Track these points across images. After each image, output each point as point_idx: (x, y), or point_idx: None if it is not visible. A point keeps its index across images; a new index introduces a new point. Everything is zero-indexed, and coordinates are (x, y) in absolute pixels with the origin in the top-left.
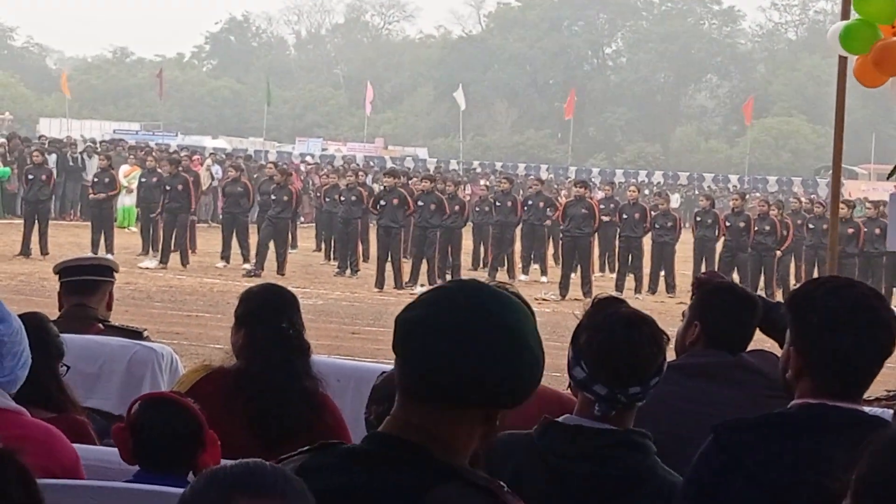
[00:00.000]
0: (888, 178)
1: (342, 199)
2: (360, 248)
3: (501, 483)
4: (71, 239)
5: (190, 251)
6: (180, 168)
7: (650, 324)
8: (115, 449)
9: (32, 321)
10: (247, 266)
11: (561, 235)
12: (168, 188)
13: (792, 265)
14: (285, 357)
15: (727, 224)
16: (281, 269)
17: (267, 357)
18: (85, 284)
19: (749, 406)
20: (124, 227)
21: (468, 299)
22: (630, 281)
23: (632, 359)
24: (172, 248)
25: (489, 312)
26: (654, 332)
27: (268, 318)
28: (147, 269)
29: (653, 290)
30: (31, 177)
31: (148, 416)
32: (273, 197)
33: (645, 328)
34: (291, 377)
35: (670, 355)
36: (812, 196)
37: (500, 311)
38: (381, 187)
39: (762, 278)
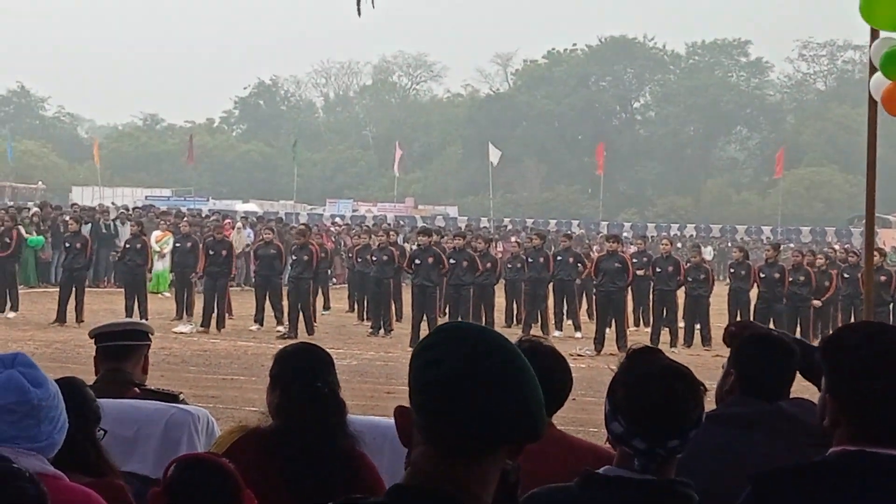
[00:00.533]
0: None
1: (374, 258)
2: (393, 307)
3: None
4: (105, 306)
5: (227, 315)
6: (223, 234)
7: (686, 375)
8: None
9: (68, 386)
10: (280, 329)
11: (594, 290)
12: (212, 252)
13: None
14: (321, 416)
15: (762, 275)
16: (309, 330)
17: (302, 416)
18: (120, 349)
19: (788, 455)
20: (157, 293)
21: (481, 344)
22: (665, 335)
23: (669, 412)
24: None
25: (505, 350)
26: (691, 384)
27: (303, 377)
28: (181, 333)
29: (688, 343)
30: (67, 245)
31: (184, 478)
32: (294, 258)
33: (681, 380)
34: (327, 436)
35: (708, 406)
36: (846, 245)
37: (510, 346)
38: (416, 246)
39: (798, 329)
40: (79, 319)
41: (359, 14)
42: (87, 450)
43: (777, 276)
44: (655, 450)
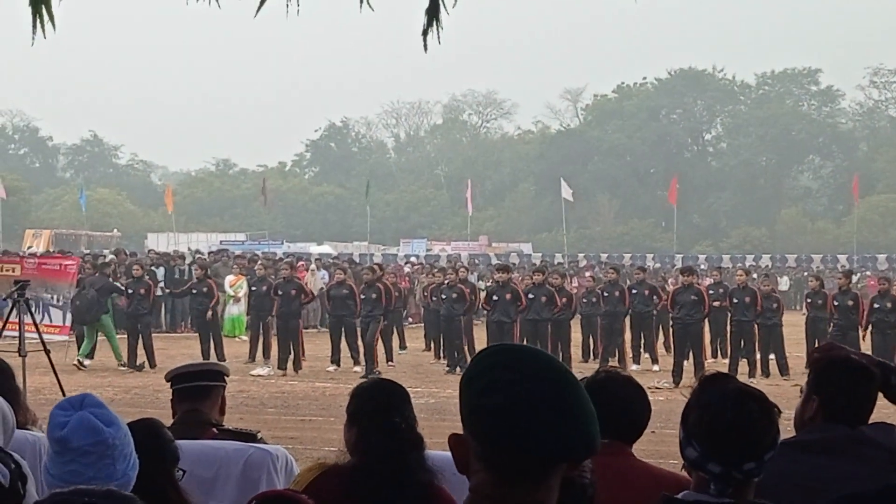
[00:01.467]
0: None
1: (444, 297)
2: (466, 344)
3: None
4: (183, 351)
5: (301, 357)
6: (294, 274)
7: (759, 398)
8: None
9: (146, 428)
10: (357, 369)
11: (671, 323)
12: (280, 293)
13: None
14: (399, 451)
15: (835, 303)
16: (368, 364)
17: (380, 452)
18: (196, 390)
19: (871, 479)
20: (233, 337)
21: (527, 366)
22: (743, 365)
23: (743, 435)
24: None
25: (552, 369)
26: (765, 406)
27: (379, 413)
28: (259, 376)
29: (766, 373)
30: (130, 291)
31: None
32: (362, 296)
33: (754, 403)
34: (406, 471)
35: (787, 433)
36: None
37: (556, 364)
38: (494, 283)
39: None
40: (151, 365)
41: (425, 50)
42: (166, 491)
43: (850, 303)
44: (731, 473)
